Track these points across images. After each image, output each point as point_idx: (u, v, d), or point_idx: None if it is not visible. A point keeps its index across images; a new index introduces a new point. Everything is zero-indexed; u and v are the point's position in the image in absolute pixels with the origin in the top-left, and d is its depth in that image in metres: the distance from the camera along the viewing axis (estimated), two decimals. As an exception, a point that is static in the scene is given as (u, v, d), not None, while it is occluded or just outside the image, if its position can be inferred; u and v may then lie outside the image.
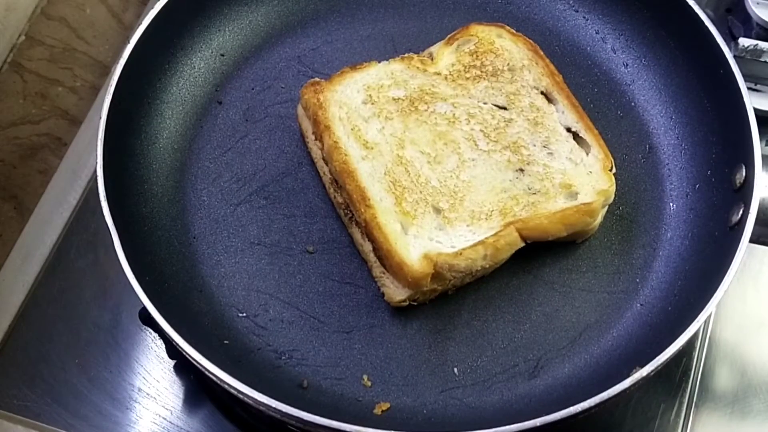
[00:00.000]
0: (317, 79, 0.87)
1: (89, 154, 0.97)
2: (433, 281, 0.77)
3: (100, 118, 0.80)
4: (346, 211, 0.82)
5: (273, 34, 0.94)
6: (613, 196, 0.81)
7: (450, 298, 0.80)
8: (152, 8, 0.86)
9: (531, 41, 0.88)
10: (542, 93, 0.85)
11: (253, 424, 0.82)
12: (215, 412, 0.83)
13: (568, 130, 0.83)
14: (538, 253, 0.81)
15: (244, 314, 0.80)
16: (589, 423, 0.69)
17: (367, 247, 0.80)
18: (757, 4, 0.93)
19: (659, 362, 0.68)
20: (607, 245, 0.83)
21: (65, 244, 0.91)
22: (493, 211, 0.79)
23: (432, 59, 0.88)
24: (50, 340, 0.86)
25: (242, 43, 0.93)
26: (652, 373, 0.69)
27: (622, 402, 0.82)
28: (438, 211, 0.79)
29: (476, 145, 0.82)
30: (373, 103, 0.84)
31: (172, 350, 0.84)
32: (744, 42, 0.91)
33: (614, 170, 0.81)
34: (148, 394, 0.83)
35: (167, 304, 0.73)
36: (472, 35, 0.88)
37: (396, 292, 0.78)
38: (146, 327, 0.85)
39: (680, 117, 0.87)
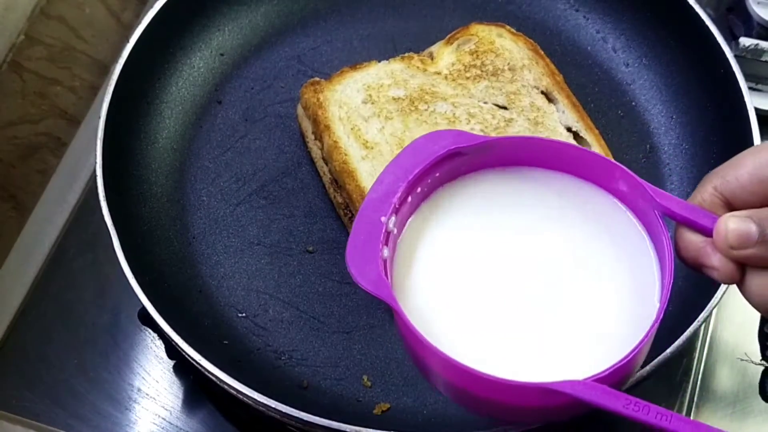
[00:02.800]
0: (317, 78, 0.86)
1: (88, 153, 0.96)
2: (433, 281, 0.77)
3: (100, 117, 0.80)
4: (346, 211, 0.82)
5: (273, 33, 0.94)
6: (613, 196, 0.81)
7: (450, 298, 0.80)
8: (152, 8, 0.86)
9: (531, 41, 0.88)
10: (542, 93, 0.85)
11: (253, 424, 0.82)
12: (215, 413, 0.83)
13: (569, 129, 0.83)
14: (539, 253, 0.81)
15: (244, 314, 0.80)
16: (589, 423, 0.69)
17: (367, 247, 0.80)
18: (758, 3, 0.93)
19: (660, 362, 0.68)
20: (607, 245, 0.83)
21: (64, 244, 0.91)
22: (493, 211, 0.78)
23: (432, 59, 0.88)
24: (49, 340, 0.86)
25: (242, 43, 0.93)
26: (653, 374, 0.68)
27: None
28: (438, 211, 0.79)
29: (476, 144, 0.82)
30: (373, 103, 0.84)
31: (172, 350, 0.84)
32: (744, 41, 0.91)
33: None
34: (147, 394, 0.83)
35: (167, 305, 0.72)
36: (473, 35, 0.88)
37: (396, 292, 0.78)
38: (145, 327, 0.85)
39: (681, 117, 0.87)
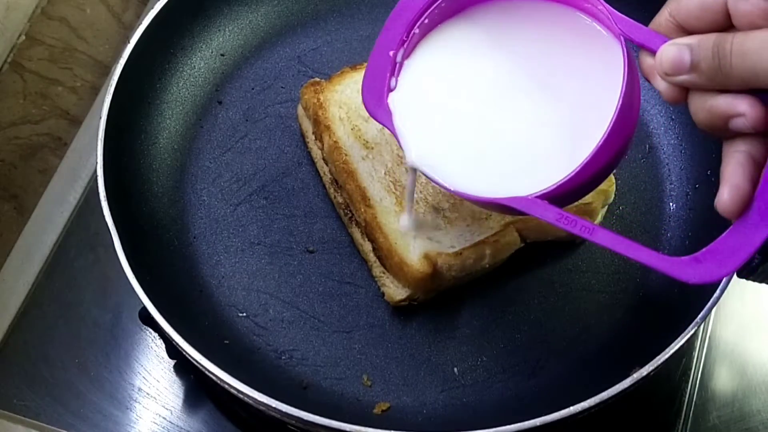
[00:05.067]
0: (317, 79, 0.87)
1: (89, 153, 0.97)
2: (433, 281, 0.77)
3: (101, 117, 0.80)
4: (346, 211, 0.82)
5: (273, 34, 0.94)
6: (613, 196, 0.81)
7: (450, 298, 0.80)
8: (152, 8, 0.86)
9: (531, 41, 0.88)
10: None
11: (253, 423, 0.82)
12: (215, 412, 0.83)
13: (568, 130, 0.83)
14: (538, 253, 0.81)
15: (244, 314, 0.80)
16: (589, 423, 0.69)
17: (367, 247, 0.80)
18: (757, 4, 0.93)
19: (659, 362, 0.68)
20: (607, 245, 0.83)
21: (65, 244, 0.91)
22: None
23: (432, 59, 0.88)
24: (50, 340, 0.86)
25: (242, 43, 0.93)
26: (652, 373, 0.69)
27: (622, 402, 0.82)
28: (438, 210, 0.79)
29: (476, 144, 0.82)
30: (373, 103, 0.84)
31: (172, 350, 0.84)
32: (744, 42, 0.91)
33: (614, 170, 0.81)
34: (148, 393, 0.83)
35: (167, 304, 0.73)
36: (472, 35, 0.88)
37: (396, 292, 0.78)
38: (146, 327, 0.85)
39: (680, 117, 0.87)
